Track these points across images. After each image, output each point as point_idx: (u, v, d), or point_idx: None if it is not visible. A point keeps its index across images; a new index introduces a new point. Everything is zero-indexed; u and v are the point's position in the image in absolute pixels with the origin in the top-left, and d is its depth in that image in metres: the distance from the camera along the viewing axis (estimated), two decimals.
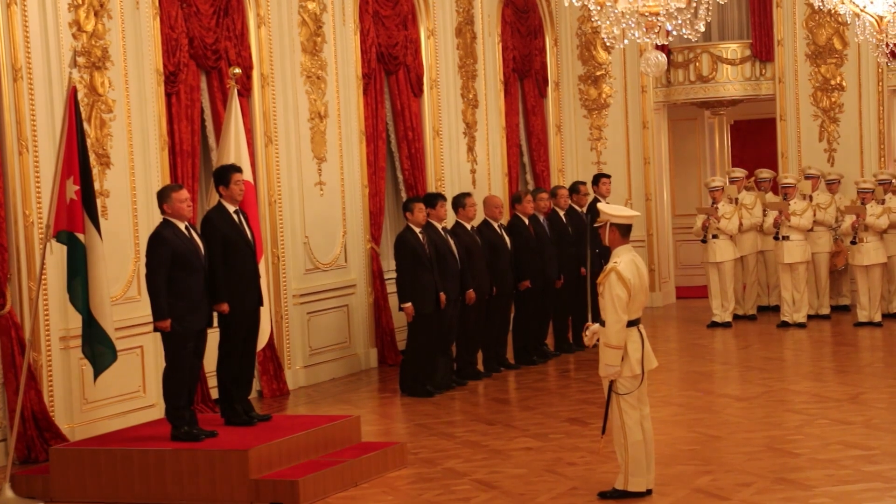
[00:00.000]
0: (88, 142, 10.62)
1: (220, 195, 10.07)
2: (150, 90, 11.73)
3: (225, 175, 10.09)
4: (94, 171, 10.78)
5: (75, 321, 10.22)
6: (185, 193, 9.61)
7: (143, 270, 11.49)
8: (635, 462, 8.49)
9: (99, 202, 10.59)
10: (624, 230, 8.59)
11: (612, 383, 8.50)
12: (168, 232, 9.48)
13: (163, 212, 9.59)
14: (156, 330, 9.53)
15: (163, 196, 9.64)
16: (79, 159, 9.56)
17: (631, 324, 8.43)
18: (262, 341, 10.99)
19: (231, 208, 10.03)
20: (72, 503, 9.14)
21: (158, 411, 11.27)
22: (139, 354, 11.53)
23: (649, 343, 8.62)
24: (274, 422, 10.10)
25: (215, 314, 9.86)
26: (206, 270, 9.63)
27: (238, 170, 10.20)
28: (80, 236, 9.60)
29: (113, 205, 11.28)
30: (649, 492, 8.55)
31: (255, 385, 12.77)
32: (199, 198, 12.33)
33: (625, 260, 8.47)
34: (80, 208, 9.57)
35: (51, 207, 9.55)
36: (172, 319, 9.38)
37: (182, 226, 9.55)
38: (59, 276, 10.33)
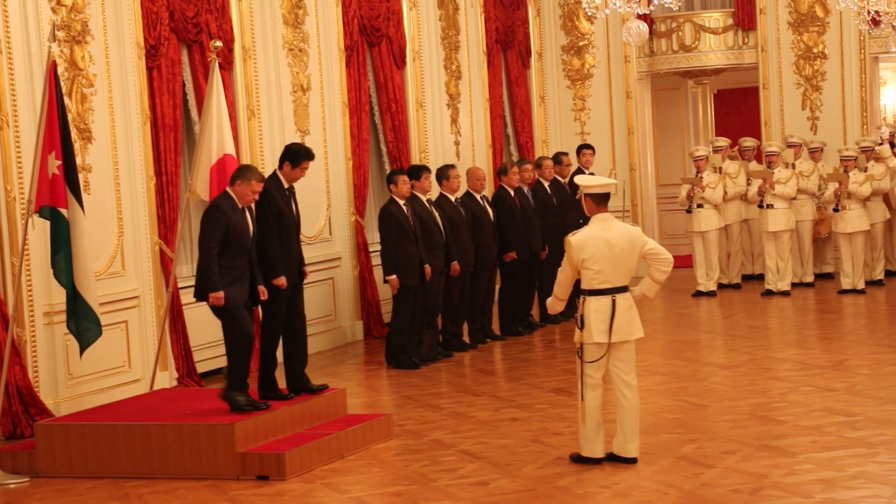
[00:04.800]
0: (70, 116, 10.57)
1: (280, 169, 10.07)
2: (130, 64, 11.67)
3: (297, 157, 10.03)
4: (76, 146, 10.74)
5: (59, 297, 10.19)
6: (261, 186, 9.52)
7: (126, 245, 11.50)
8: (586, 428, 8.57)
9: (81, 177, 10.54)
10: (597, 199, 8.64)
11: (580, 350, 8.57)
12: (226, 204, 9.39)
13: (231, 184, 9.49)
14: (200, 299, 9.38)
15: (243, 173, 9.50)
16: (60, 134, 9.51)
17: (602, 293, 8.50)
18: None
19: (285, 184, 10.05)
20: (57, 478, 9.13)
21: (144, 386, 11.27)
22: (124, 329, 11.50)
23: (636, 312, 8.60)
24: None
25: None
26: (251, 252, 9.53)
27: (310, 158, 10.14)
28: (63, 211, 9.56)
29: (95, 179, 11.24)
30: (634, 460, 8.58)
31: None
32: (181, 171, 12.26)
33: (587, 229, 8.60)
34: (62, 183, 9.52)
35: (32, 182, 9.50)
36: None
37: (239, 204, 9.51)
38: (42, 251, 10.30)
